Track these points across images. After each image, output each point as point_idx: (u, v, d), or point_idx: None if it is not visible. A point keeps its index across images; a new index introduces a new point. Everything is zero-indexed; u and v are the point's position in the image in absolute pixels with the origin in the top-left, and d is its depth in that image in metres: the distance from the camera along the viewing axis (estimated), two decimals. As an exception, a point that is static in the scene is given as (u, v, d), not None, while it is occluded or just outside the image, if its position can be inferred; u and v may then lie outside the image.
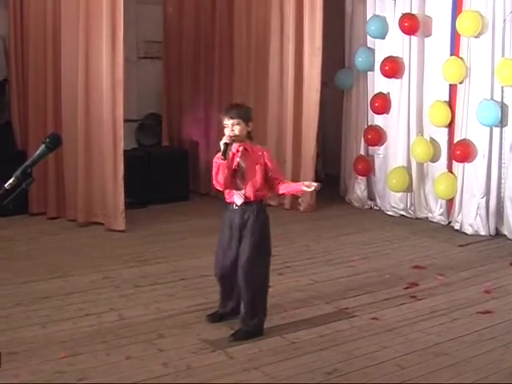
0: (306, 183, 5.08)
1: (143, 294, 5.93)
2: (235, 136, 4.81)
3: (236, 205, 4.93)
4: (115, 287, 6.10)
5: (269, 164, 4.98)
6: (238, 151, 4.92)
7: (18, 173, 3.00)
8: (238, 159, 4.91)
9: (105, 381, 4.33)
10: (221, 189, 4.96)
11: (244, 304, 5.02)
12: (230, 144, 4.80)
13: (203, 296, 5.76)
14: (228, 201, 4.99)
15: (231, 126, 4.83)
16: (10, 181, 2.99)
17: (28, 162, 3.05)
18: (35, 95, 8.43)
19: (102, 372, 4.44)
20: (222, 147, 4.75)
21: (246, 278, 4.93)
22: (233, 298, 5.17)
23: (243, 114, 4.88)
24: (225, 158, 4.76)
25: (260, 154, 4.97)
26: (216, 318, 5.28)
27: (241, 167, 4.92)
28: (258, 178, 4.92)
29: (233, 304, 5.19)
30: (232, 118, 4.83)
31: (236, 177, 4.92)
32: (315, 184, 5.02)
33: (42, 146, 3.11)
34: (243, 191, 4.91)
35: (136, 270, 6.59)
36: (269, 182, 5.01)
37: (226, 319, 5.25)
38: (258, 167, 4.92)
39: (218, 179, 4.87)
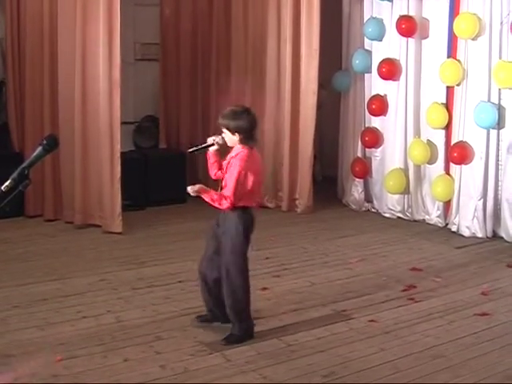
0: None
1: (140, 297, 5.93)
2: (222, 141, 4.91)
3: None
4: (112, 289, 6.10)
5: (228, 170, 4.87)
6: (229, 161, 4.92)
7: (14, 175, 3.00)
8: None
9: (102, 383, 4.33)
10: (212, 177, 5.13)
11: (228, 309, 5.02)
12: (210, 145, 4.94)
13: (200, 298, 5.71)
14: None
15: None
16: (7, 183, 2.99)
17: (25, 164, 3.05)
18: (32, 97, 8.41)
19: (98, 375, 4.44)
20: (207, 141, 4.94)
21: (226, 283, 4.96)
22: (215, 304, 5.15)
23: (229, 124, 4.82)
24: (192, 152, 4.97)
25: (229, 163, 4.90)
26: (204, 319, 5.28)
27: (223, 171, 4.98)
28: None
29: (219, 312, 5.16)
30: (221, 124, 4.88)
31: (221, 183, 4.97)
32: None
33: (39, 148, 3.10)
34: None
35: (133, 273, 6.59)
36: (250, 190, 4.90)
37: (216, 323, 5.24)
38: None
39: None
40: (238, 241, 4.94)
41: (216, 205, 4.84)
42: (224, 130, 4.86)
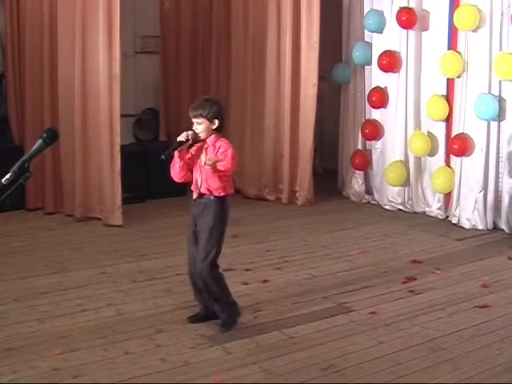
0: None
1: (141, 290, 5.93)
2: (194, 135, 4.81)
3: (194, 198, 5.00)
4: (113, 282, 6.11)
5: (219, 152, 4.83)
6: (201, 147, 4.91)
7: (15, 168, 3.00)
8: (201, 153, 4.92)
9: (102, 376, 4.34)
10: (177, 180, 5.02)
11: (210, 299, 5.04)
12: (185, 142, 4.79)
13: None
14: (192, 190, 5.04)
15: (195, 124, 4.84)
16: (7, 176, 2.98)
17: (25, 157, 3.04)
18: (32, 90, 8.40)
19: (99, 367, 4.45)
20: (177, 141, 4.78)
21: (201, 276, 4.93)
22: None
23: (206, 111, 4.80)
24: (166, 157, 4.75)
25: (218, 147, 4.88)
26: (197, 319, 5.20)
27: (200, 161, 4.90)
28: (212, 173, 4.83)
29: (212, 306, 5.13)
30: (195, 116, 4.83)
31: (196, 172, 4.93)
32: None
33: (39, 141, 3.10)
34: (199, 185, 4.92)
35: (133, 265, 6.59)
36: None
37: (211, 320, 5.17)
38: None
39: (172, 172, 4.97)
40: (218, 227, 4.93)
41: (228, 166, 4.78)
42: (198, 121, 4.81)
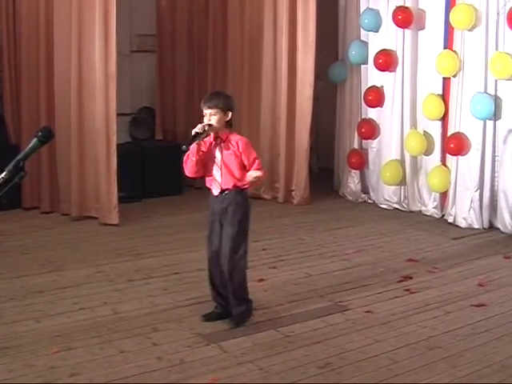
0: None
1: (137, 288, 5.92)
2: (210, 126, 4.83)
3: (215, 195, 5.01)
4: (109, 281, 6.10)
5: (243, 154, 4.94)
6: (214, 141, 4.94)
7: (10, 167, 3.00)
8: (215, 149, 4.95)
9: (98, 375, 4.33)
10: (190, 176, 5.08)
11: (230, 291, 5.06)
12: (202, 134, 4.81)
13: (197, 290, 5.75)
14: (208, 186, 5.06)
15: (209, 116, 4.84)
16: (2, 175, 2.98)
17: (20, 156, 3.04)
18: (28, 89, 8.40)
19: (95, 366, 4.44)
20: (192, 134, 4.80)
21: (229, 268, 4.98)
22: (223, 292, 5.13)
23: (221, 103, 4.85)
24: (187, 148, 4.80)
25: (236, 143, 4.93)
26: (212, 317, 5.19)
27: (216, 157, 4.95)
28: (233, 167, 4.93)
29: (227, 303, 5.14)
30: (210, 107, 4.84)
31: (212, 167, 4.96)
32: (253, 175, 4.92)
33: (34, 140, 3.10)
34: (219, 181, 4.95)
35: (130, 264, 6.58)
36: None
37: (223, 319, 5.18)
38: (232, 157, 4.93)
39: (186, 167, 4.99)
40: (246, 219, 5.08)
41: (262, 174, 4.96)
42: (212, 112, 4.82)
